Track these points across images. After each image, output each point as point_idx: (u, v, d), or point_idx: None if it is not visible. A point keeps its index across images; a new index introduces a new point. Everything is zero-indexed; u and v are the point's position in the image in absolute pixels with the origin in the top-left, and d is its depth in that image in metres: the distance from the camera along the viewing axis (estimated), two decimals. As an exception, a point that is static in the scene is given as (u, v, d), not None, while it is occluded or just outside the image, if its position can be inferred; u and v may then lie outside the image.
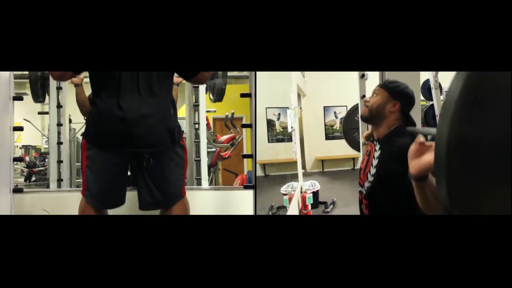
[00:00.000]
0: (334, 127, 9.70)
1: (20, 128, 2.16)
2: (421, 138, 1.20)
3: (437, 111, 3.23)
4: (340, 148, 8.95)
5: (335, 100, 9.39)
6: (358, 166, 9.08)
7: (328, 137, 9.67)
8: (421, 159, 1.18)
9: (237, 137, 4.46)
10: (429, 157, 1.16)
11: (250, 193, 2.24)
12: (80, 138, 3.42)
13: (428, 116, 3.53)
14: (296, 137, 6.04)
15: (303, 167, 7.30)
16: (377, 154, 1.78)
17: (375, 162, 1.77)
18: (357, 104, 3.27)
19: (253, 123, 2.20)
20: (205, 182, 3.20)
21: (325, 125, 9.67)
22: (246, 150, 4.77)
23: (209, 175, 3.78)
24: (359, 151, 2.77)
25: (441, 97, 3.67)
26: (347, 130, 4.14)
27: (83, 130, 2.13)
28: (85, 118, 2.06)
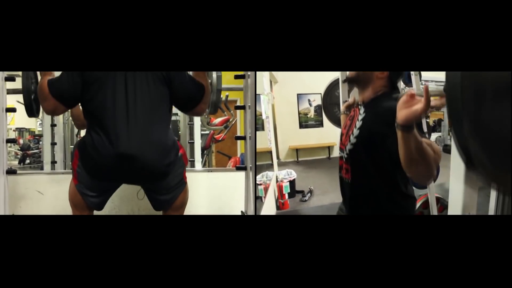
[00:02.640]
0: (308, 115, 9.43)
1: (12, 110, 2.15)
2: (411, 90, 1.22)
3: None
4: (315, 137, 8.93)
5: (309, 87, 9.07)
6: (333, 155, 8.97)
7: (302, 125, 9.41)
8: (410, 108, 1.21)
9: (230, 120, 4.45)
10: (417, 106, 1.19)
11: (242, 174, 2.26)
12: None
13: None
14: (270, 125, 5.99)
15: (277, 156, 7.24)
16: (361, 116, 1.74)
17: (358, 124, 1.73)
18: (338, 79, 3.27)
19: (252, 104, 2.19)
20: (198, 164, 3.22)
21: (299, 113, 9.38)
22: (240, 133, 4.77)
23: (202, 157, 3.80)
24: (338, 126, 2.75)
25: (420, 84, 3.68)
26: (327, 104, 4.09)
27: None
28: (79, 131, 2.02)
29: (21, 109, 2.17)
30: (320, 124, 9.22)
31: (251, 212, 2.07)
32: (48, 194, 2.68)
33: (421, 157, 1.30)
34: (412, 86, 3.34)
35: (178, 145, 2.03)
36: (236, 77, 2.36)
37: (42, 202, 2.67)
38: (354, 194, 1.79)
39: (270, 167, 5.79)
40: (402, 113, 1.23)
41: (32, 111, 2.06)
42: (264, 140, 5.46)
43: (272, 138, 6.35)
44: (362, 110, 1.76)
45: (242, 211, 2.29)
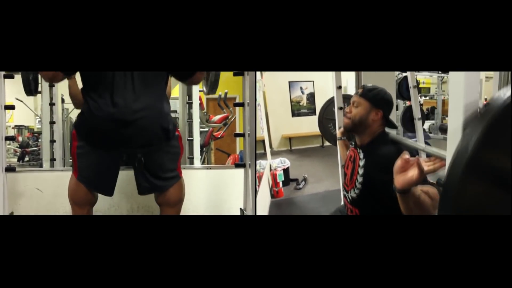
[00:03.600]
0: (300, 103, 9.27)
1: (11, 107, 2.16)
2: (406, 155, 1.29)
3: (410, 83, 3.33)
4: (308, 125, 8.73)
5: (300, 75, 8.94)
6: (327, 143, 8.82)
7: (295, 113, 9.23)
8: (406, 174, 1.29)
9: (230, 117, 4.46)
10: (412, 173, 1.27)
11: (241, 171, 2.26)
12: (73, 118, 3.41)
13: (402, 87, 3.60)
14: (262, 113, 5.96)
15: (269, 145, 7.19)
16: (362, 162, 1.83)
17: (361, 171, 1.82)
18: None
19: (252, 101, 2.19)
20: (197, 162, 3.22)
21: (291, 101, 9.19)
22: (239, 130, 4.76)
23: (201, 154, 3.80)
24: (332, 143, 2.81)
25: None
26: (323, 119, 4.14)
27: (76, 111, 2.11)
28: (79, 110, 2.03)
29: (20, 106, 2.17)
30: (312, 112, 9.05)
31: (250, 209, 2.08)
32: (48, 191, 2.69)
33: (420, 209, 1.37)
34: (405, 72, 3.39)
35: (174, 123, 2.06)
36: (235, 74, 2.37)
37: (41, 199, 2.67)
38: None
39: (263, 156, 5.80)
40: (398, 180, 1.30)
41: (30, 90, 2.06)
42: (257, 129, 5.41)
43: (265, 127, 6.34)
44: (362, 155, 1.86)
45: (241, 208, 2.29)
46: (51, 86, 3.60)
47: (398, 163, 1.30)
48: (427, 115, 6.18)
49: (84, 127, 1.93)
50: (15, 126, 9.17)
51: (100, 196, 2.10)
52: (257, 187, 3.92)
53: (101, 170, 2.00)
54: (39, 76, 2.73)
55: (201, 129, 3.99)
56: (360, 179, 1.81)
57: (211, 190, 2.81)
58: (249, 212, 2.08)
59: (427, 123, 5.94)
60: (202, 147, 4.07)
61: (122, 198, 2.71)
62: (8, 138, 2.18)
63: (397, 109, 4.19)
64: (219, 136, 4.68)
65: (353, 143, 1.99)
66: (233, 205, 2.66)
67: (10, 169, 2.14)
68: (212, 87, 2.39)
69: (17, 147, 8.01)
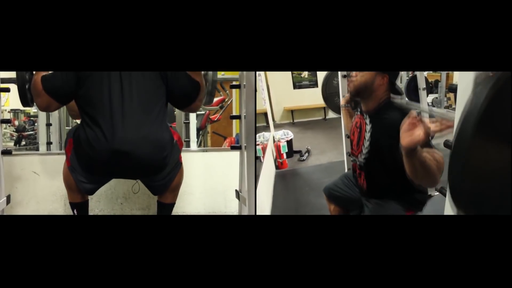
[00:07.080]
0: (302, 75, 9.02)
1: (6, 89, 2.15)
2: (413, 114, 1.28)
3: (420, 84, 3.29)
4: (310, 97, 8.61)
5: None
6: (329, 116, 8.74)
7: (296, 86, 9.02)
8: (412, 133, 1.28)
9: (226, 100, 4.44)
10: (419, 131, 1.27)
11: (237, 154, 2.27)
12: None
13: (409, 88, 3.58)
14: (263, 83, 5.90)
15: (272, 118, 7.17)
16: (368, 128, 1.83)
17: (367, 136, 1.83)
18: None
19: (251, 82, 2.18)
20: (193, 144, 3.22)
21: (292, 73, 8.93)
22: (235, 112, 4.76)
23: (198, 137, 3.80)
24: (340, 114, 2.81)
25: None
26: (327, 95, 4.13)
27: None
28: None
29: (15, 90, 2.16)
30: (314, 84, 8.90)
31: (245, 191, 2.09)
32: (44, 174, 2.69)
33: (426, 171, 1.37)
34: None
35: (172, 132, 2.02)
36: (232, 86, 2.39)
37: (38, 183, 2.68)
38: (372, 200, 1.93)
39: (266, 128, 5.81)
40: (405, 138, 1.30)
41: (26, 101, 2.04)
42: (259, 100, 5.35)
43: (267, 98, 6.29)
44: (368, 121, 1.85)
45: (236, 190, 2.31)
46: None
47: (405, 122, 1.30)
48: (430, 88, 6.14)
49: (82, 155, 1.89)
50: (11, 110, 9.13)
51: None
52: (259, 154, 3.93)
53: (90, 180, 2.00)
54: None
55: (198, 112, 3.99)
56: (366, 143, 1.83)
57: (207, 173, 2.82)
58: (244, 193, 2.09)
59: (431, 97, 5.89)
60: (198, 130, 4.06)
61: (119, 182, 2.72)
62: (4, 121, 2.17)
63: (400, 82, 4.18)
64: (216, 119, 4.67)
65: (358, 110, 1.99)
66: (228, 187, 2.67)
67: (6, 152, 2.14)
68: (210, 97, 2.39)
69: (13, 131, 7.99)
